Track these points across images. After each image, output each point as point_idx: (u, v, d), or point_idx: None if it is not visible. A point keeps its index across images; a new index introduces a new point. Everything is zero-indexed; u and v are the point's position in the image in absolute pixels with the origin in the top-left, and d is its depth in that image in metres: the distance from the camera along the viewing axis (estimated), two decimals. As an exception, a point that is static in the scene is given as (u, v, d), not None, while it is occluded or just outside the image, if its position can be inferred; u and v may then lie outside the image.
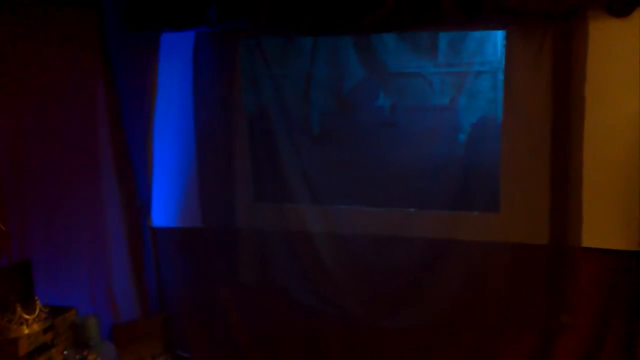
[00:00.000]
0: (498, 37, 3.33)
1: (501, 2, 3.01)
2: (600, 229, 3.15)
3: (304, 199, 3.57)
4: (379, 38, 3.41)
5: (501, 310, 3.30)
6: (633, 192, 3.07)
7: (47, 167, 3.14)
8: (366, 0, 3.09)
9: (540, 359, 3.29)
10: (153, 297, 3.90)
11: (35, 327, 2.68)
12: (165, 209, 3.78)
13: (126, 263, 3.83)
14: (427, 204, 3.45)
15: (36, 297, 2.72)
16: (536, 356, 3.30)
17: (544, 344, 3.28)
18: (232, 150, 3.56)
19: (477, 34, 3.34)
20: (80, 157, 3.40)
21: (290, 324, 3.66)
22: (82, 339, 2.95)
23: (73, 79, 3.37)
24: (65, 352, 2.90)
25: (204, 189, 3.64)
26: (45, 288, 2.94)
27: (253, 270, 3.66)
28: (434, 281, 3.43)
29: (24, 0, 2.94)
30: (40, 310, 2.68)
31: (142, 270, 3.86)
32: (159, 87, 3.63)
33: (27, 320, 2.66)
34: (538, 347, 3.30)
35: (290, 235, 3.58)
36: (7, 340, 2.57)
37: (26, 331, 2.64)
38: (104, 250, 3.57)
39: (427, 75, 3.47)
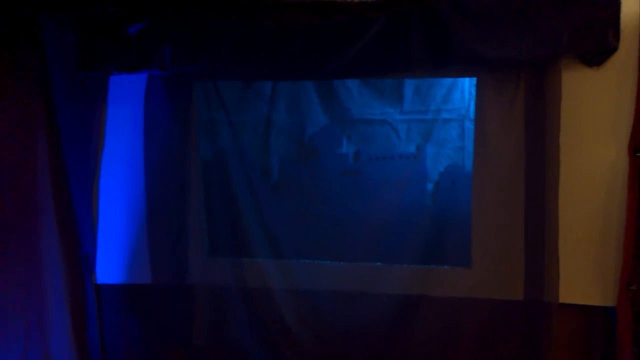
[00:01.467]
0: (466, 83, 3.26)
1: (472, 49, 2.94)
2: (576, 284, 3.03)
3: (262, 253, 3.39)
4: (342, 83, 3.33)
5: (475, 370, 3.06)
6: (609, 245, 2.98)
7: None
8: (329, 46, 3.01)
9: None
10: (96, 359, 3.59)
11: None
12: (111, 264, 3.54)
13: (66, 322, 3.46)
14: (394, 258, 3.29)
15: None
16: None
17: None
18: (184, 200, 3.36)
19: (444, 81, 3.26)
20: (17, 206, 3.15)
21: (249, 391, 3.34)
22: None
23: (10, 123, 3.14)
24: None
25: (154, 242, 3.41)
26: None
27: (207, 330, 3.43)
28: (403, 340, 3.26)
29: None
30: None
31: (85, 331, 3.48)
32: (107, 132, 3.44)
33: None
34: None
35: (248, 292, 3.39)
36: None
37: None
38: (42, 309, 3.28)
39: (393, 123, 3.37)
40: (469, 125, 3.27)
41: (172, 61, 3.11)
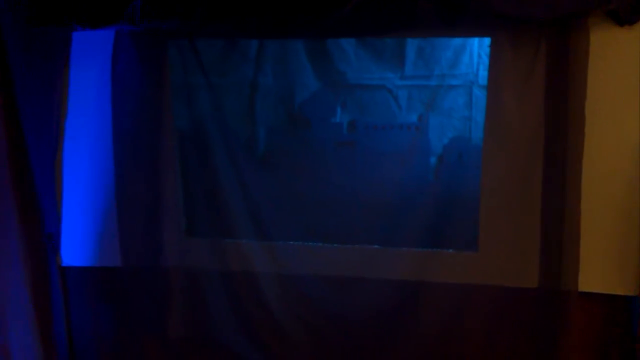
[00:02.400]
0: (475, 45, 3.08)
1: (487, 3, 2.62)
2: (595, 271, 2.82)
3: (246, 234, 3.17)
4: (336, 43, 3.13)
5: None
6: (632, 231, 2.77)
7: None
8: None
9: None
10: (62, 352, 3.34)
11: None
12: (78, 245, 3.29)
13: (28, 311, 3.22)
14: (394, 240, 3.09)
15: None
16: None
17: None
18: (158, 174, 3.12)
19: (451, 42, 3.07)
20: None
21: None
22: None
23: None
24: None
25: (125, 221, 3.17)
26: None
27: (184, 318, 3.21)
28: (403, 331, 3.06)
29: None
30: None
31: (49, 319, 3.24)
32: (71, 98, 3.15)
33: None
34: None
35: (229, 277, 3.17)
36: None
37: None
38: (-1, 295, 3.01)
39: (392, 89, 3.21)
40: (478, 93, 3.11)
41: (143, 15, 2.82)
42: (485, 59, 3.02)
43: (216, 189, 3.15)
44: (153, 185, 3.13)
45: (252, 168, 3.20)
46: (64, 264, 3.28)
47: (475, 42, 3.06)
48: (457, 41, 3.06)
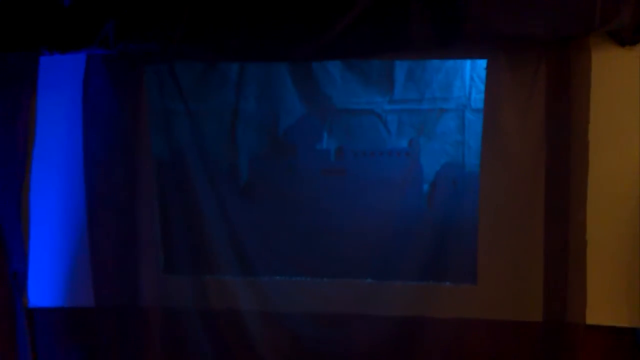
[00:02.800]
0: (467, 67, 3.03)
1: (484, 23, 2.54)
2: (602, 303, 2.74)
3: (229, 269, 3.06)
4: (322, 66, 3.07)
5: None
6: (638, 260, 2.71)
7: None
8: (308, 20, 2.66)
9: None
10: None
11: None
12: (46, 284, 3.13)
13: None
14: (387, 274, 2.99)
15: None
16: None
17: None
18: (134, 207, 2.98)
19: (442, 64, 3.04)
20: None
21: None
22: None
23: None
24: None
25: (98, 258, 3.01)
26: None
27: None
28: None
29: None
30: None
31: None
32: (39, 126, 3.00)
33: None
34: None
35: (211, 316, 3.05)
36: None
37: None
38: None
39: (381, 113, 3.13)
40: (471, 117, 3.05)
41: (118, 38, 2.71)
42: (478, 82, 3.00)
43: (196, 222, 3.05)
44: (128, 218, 2.98)
45: (235, 198, 3.10)
46: (30, 305, 3.12)
47: (467, 64, 3.01)
48: (448, 63, 3.01)
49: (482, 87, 2.91)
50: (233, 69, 3.11)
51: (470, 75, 3.03)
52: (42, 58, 2.90)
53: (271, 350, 3.01)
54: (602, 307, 2.74)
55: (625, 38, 2.55)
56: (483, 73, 2.87)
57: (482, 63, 2.91)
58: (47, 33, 2.73)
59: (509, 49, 2.67)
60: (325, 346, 2.99)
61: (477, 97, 3.00)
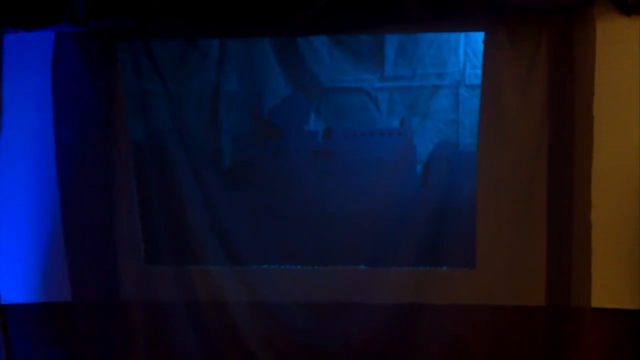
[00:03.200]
0: (461, 41, 2.97)
1: None
2: (606, 285, 2.69)
3: (214, 259, 3.00)
4: (307, 43, 3.01)
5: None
6: None
7: None
8: None
9: None
10: None
11: None
12: (19, 279, 3.05)
13: None
14: (381, 260, 2.93)
15: None
16: None
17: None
18: (111, 195, 2.92)
19: (434, 38, 2.97)
20: None
21: None
22: None
23: None
24: None
25: (74, 250, 2.94)
26: None
27: (146, 358, 2.99)
28: None
29: None
30: None
31: None
32: (5, 110, 2.89)
33: None
34: None
35: (197, 308, 2.98)
36: None
37: None
38: None
39: (371, 91, 3.07)
40: (465, 93, 2.99)
41: (87, 13, 2.60)
42: (473, 57, 2.94)
43: (178, 210, 2.99)
44: (105, 207, 2.92)
45: (218, 184, 3.04)
46: (3, 302, 3.04)
47: (461, 38, 2.94)
48: (441, 37, 2.95)
49: (477, 62, 2.87)
50: (214, 46, 3.03)
51: (464, 50, 2.95)
52: (7, 36, 2.79)
53: (261, 343, 2.96)
54: (607, 290, 2.69)
55: (631, 6, 2.46)
56: (478, 47, 2.82)
57: (477, 36, 2.84)
58: (10, 9, 2.63)
59: (508, 19, 2.59)
60: (317, 338, 2.94)
61: (472, 73, 2.94)
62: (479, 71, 2.81)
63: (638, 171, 2.58)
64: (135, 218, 2.99)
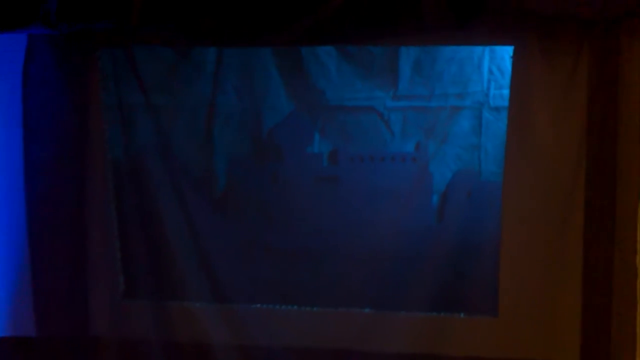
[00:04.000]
0: (485, 57, 2.83)
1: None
2: None
3: (199, 295, 2.91)
4: (313, 55, 2.93)
5: None
6: None
7: None
8: None
9: None
10: None
11: None
12: None
13: None
14: (390, 303, 2.80)
15: None
16: None
17: None
18: (86, 220, 2.84)
19: (455, 53, 2.84)
20: None
21: None
22: None
23: None
24: None
25: (41, 280, 2.85)
26: None
27: None
28: None
29: None
30: None
31: None
32: None
33: None
34: None
35: (177, 349, 2.89)
36: None
37: None
38: None
39: (383, 111, 2.95)
40: (489, 116, 2.85)
41: (61, 14, 2.52)
42: (499, 75, 2.81)
43: (161, 239, 2.89)
44: (79, 233, 2.83)
45: (208, 211, 2.94)
46: None
47: (486, 53, 2.81)
48: (463, 52, 2.82)
49: (503, 81, 2.75)
50: (208, 56, 2.94)
51: (488, 68, 2.82)
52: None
53: (249, 394, 2.86)
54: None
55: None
56: (505, 64, 2.71)
57: (504, 52, 2.72)
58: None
59: (542, 31, 2.43)
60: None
61: (497, 94, 2.80)
62: (505, 91, 2.68)
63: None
64: (113, 246, 2.89)
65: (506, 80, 2.66)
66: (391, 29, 2.50)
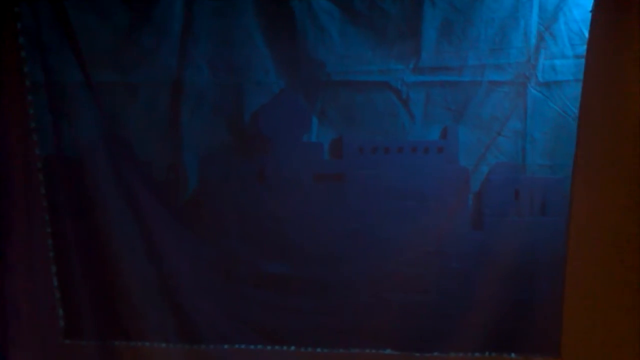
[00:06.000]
0: (533, 16, 2.47)
1: None
2: None
3: (162, 333, 2.51)
4: (309, 15, 2.55)
5: None
6: None
7: None
8: None
9: None
10: None
11: None
12: None
13: None
14: (417, 342, 2.44)
15: None
16: None
17: None
18: (8, 240, 2.41)
19: (494, 13, 2.50)
20: None
21: None
22: None
23: None
24: None
25: None
26: None
27: None
28: None
29: None
30: None
31: None
32: None
33: None
34: None
35: None
36: None
37: None
38: None
39: (401, 88, 2.56)
40: (536, 94, 2.48)
41: None
42: (550, 41, 2.44)
43: (111, 262, 2.47)
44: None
45: (172, 224, 2.51)
46: None
47: (534, 11, 2.45)
48: (504, 10, 2.48)
49: (555, 49, 2.41)
50: (173, 16, 2.54)
51: (537, 31, 2.46)
52: None
53: None
54: None
55: None
56: (558, 27, 2.39)
57: (557, 10, 2.37)
58: None
59: None
60: None
61: (548, 65, 2.46)
62: (558, 62, 2.37)
63: None
64: (47, 271, 2.46)
65: (560, 47, 2.36)
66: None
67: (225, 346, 2.51)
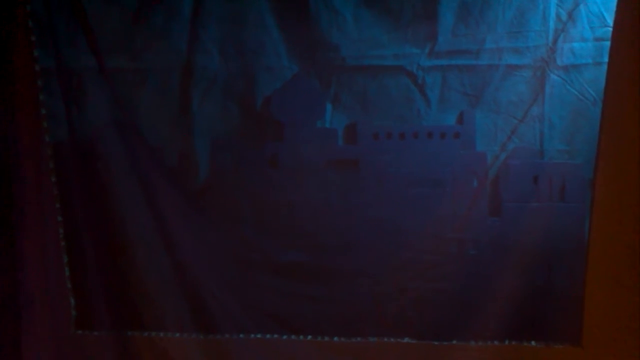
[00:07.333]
0: (552, 0, 2.46)
1: None
2: None
3: (176, 323, 2.47)
4: (323, 0, 2.55)
5: None
6: None
7: None
8: None
9: None
10: None
11: None
12: None
13: None
14: (436, 330, 2.40)
15: None
16: None
17: None
18: (20, 229, 2.35)
19: None
20: None
21: None
22: None
23: None
24: None
25: None
26: None
27: None
28: None
29: None
30: None
31: None
32: None
33: None
34: None
35: None
36: None
37: None
38: None
39: (417, 72, 2.52)
40: (555, 78, 2.43)
41: None
42: (569, 24, 2.41)
43: (124, 250, 2.43)
44: (10, 244, 2.36)
45: (185, 211, 2.47)
46: None
47: None
48: None
49: (575, 32, 2.37)
50: (183, 0, 2.51)
51: (556, 13, 2.42)
52: None
53: None
54: None
55: None
56: (577, 10, 2.33)
57: None
58: None
59: None
60: None
61: (567, 48, 2.41)
62: (577, 45, 2.32)
63: None
64: (59, 261, 2.41)
65: (579, 30, 2.31)
66: None
67: (241, 335, 2.48)
